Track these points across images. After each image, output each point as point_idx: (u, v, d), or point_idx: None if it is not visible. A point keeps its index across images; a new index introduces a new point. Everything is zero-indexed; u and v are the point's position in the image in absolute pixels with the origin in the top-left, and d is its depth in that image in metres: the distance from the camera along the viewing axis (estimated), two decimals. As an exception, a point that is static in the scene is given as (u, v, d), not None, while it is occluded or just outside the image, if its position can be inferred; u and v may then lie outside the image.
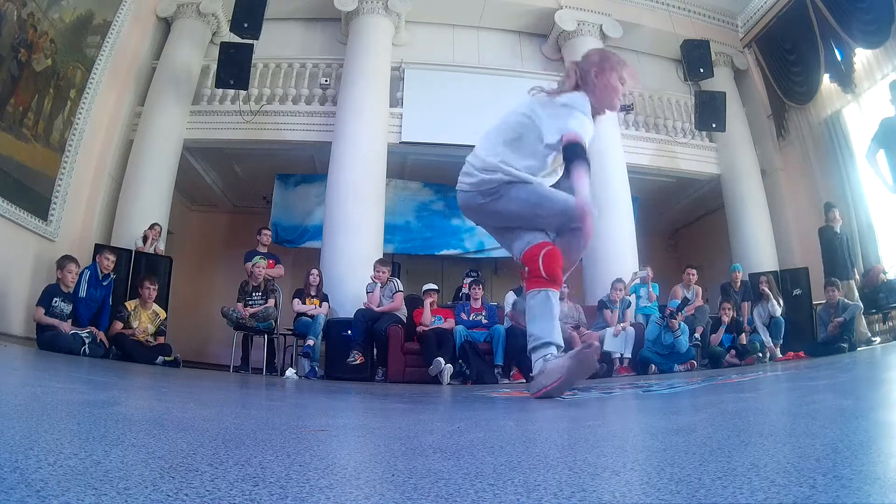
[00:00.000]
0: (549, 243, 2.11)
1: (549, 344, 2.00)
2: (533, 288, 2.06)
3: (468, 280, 6.11)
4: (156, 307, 5.11)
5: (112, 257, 5.11)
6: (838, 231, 6.08)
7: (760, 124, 8.01)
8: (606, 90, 2.16)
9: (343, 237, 6.12)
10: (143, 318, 4.94)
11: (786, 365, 4.80)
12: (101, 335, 4.61)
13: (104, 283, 5.00)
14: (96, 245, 5.66)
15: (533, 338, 2.02)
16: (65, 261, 4.68)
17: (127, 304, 5.01)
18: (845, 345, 5.12)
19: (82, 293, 4.79)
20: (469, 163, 2.25)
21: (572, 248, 2.17)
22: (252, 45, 6.40)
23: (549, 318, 2.02)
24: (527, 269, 2.10)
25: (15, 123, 5.09)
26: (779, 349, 5.68)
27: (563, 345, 2.07)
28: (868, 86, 6.59)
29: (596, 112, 2.21)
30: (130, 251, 5.76)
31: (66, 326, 4.42)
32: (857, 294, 5.83)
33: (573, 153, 1.99)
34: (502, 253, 7.77)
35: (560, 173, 2.25)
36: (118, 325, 4.79)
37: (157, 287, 5.10)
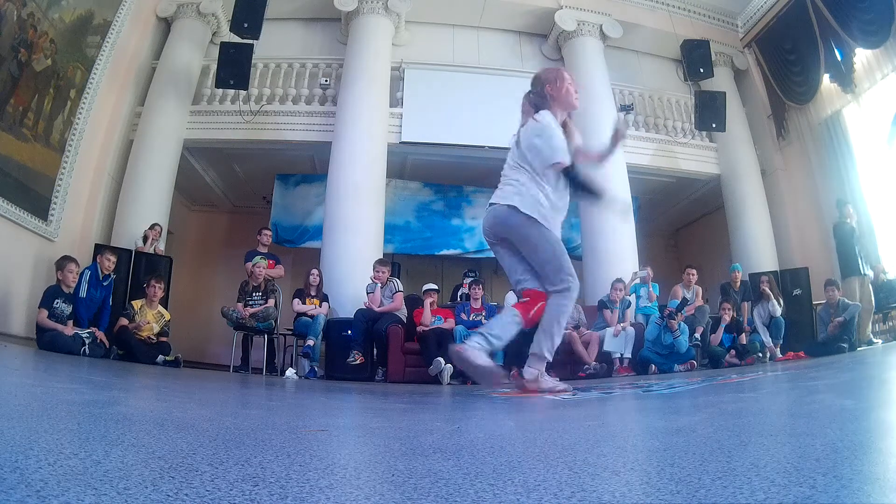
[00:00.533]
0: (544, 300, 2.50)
1: (493, 346, 2.40)
2: (520, 311, 2.46)
3: (467, 280, 6.11)
4: (161, 308, 5.13)
5: (113, 258, 5.10)
6: (854, 226, 6.00)
7: (760, 124, 8.01)
8: (564, 95, 2.54)
9: (343, 237, 6.12)
10: (149, 318, 4.96)
11: (786, 365, 4.80)
12: (101, 335, 4.61)
13: (104, 284, 5.00)
14: (96, 245, 5.67)
15: (492, 333, 2.41)
16: (64, 261, 4.68)
17: (133, 303, 5.02)
18: (845, 345, 5.12)
19: (82, 293, 4.79)
20: (522, 185, 2.47)
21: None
22: (252, 45, 6.39)
23: (509, 332, 2.44)
24: (526, 298, 2.50)
25: (15, 123, 5.08)
26: (779, 349, 5.68)
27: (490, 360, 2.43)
28: (868, 86, 6.59)
29: (563, 116, 2.59)
30: (130, 251, 5.76)
31: (69, 329, 4.42)
32: (871, 290, 5.77)
33: (568, 175, 2.44)
34: (503, 253, 7.78)
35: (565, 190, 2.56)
36: (123, 321, 4.80)
37: (163, 287, 5.12)
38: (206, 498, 0.56)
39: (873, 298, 5.66)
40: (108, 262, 5.02)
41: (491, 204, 2.54)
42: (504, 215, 2.46)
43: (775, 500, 0.54)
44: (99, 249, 5.30)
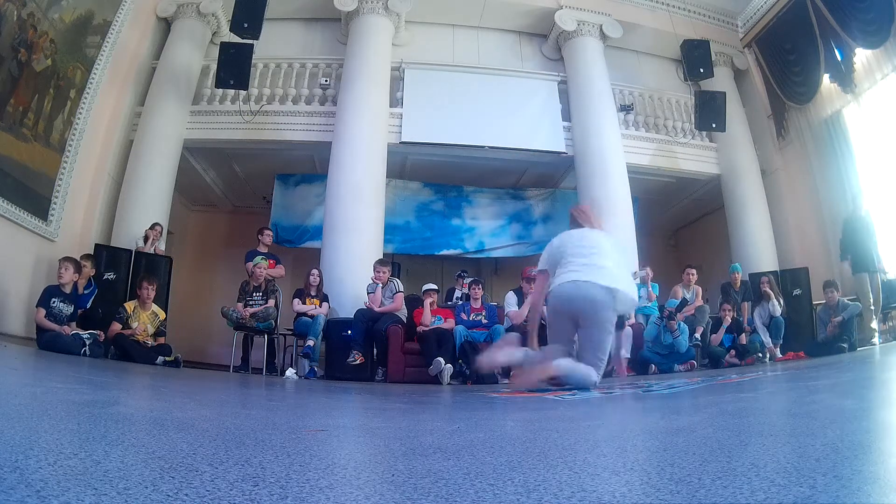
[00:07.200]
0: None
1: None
2: None
3: (466, 280, 6.11)
4: (155, 308, 5.08)
5: (69, 273, 4.55)
6: (869, 218, 5.55)
7: (760, 124, 8.01)
8: None
9: (343, 237, 6.11)
10: (143, 319, 4.91)
11: (786, 365, 4.80)
12: (99, 333, 4.57)
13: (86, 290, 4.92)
14: (94, 247, 5.67)
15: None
16: (78, 263, 4.67)
17: (126, 304, 4.97)
18: (845, 345, 5.12)
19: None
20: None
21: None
22: (252, 45, 6.38)
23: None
24: None
25: (15, 123, 5.08)
26: (779, 349, 5.68)
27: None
28: (868, 86, 6.58)
29: None
30: (130, 251, 5.76)
31: (67, 329, 4.40)
32: (879, 287, 5.52)
33: None
34: (502, 253, 7.79)
35: None
36: (117, 327, 4.77)
37: (155, 287, 5.06)
38: (206, 498, 0.56)
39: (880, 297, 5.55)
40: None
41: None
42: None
43: (775, 500, 0.54)
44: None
